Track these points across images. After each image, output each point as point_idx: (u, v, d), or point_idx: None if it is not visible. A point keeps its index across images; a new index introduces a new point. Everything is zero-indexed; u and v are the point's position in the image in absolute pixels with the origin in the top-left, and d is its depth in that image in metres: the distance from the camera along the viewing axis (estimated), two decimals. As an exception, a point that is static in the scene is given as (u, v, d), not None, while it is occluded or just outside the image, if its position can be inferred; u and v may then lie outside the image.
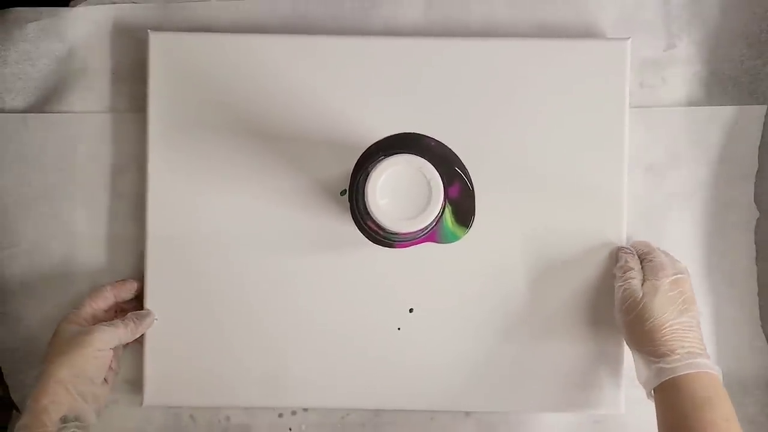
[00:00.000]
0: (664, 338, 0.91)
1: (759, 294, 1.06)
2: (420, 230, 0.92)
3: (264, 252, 1.01)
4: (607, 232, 1.01)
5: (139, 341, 1.02)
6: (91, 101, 1.06)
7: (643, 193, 1.05)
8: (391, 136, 1.00)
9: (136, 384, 1.05)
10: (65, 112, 1.06)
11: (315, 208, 1.01)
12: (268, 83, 1.01)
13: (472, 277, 1.01)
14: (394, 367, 1.02)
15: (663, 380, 0.89)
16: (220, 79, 1.01)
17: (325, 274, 1.01)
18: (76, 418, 0.91)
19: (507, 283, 1.01)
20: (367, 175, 0.89)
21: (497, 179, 1.01)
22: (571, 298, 1.02)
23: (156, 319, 1.01)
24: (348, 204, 0.99)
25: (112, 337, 0.95)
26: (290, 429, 1.06)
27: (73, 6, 1.06)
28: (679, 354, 0.90)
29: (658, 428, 0.91)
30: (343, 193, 1.00)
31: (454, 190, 0.99)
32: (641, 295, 0.94)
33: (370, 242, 0.98)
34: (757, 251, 1.06)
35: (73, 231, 1.05)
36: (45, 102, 1.06)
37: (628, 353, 1.00)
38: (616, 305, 0.97)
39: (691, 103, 1.05)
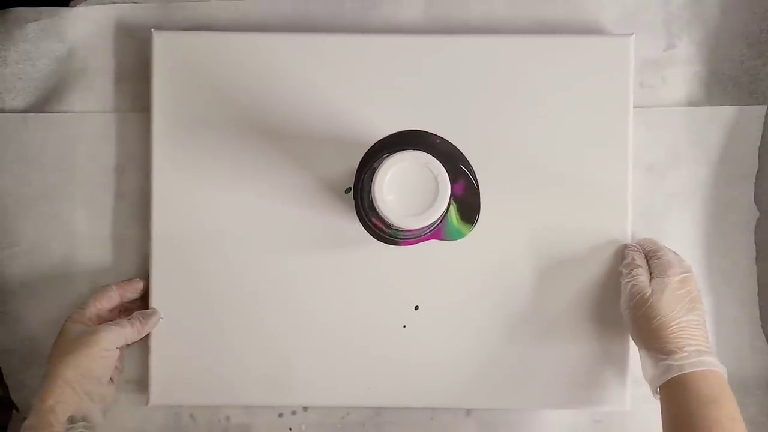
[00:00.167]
0: (672, 336, 0.91)
1: (759, 294, 1.06)
2: (425, 227, 0.92)
3: (268, 250, 1.01)
4: (612, 229, 1.01)
5: (145, 340, 1.01)
6: (92, 101, 1.06)
7: (644, 193, 1.05)
8: (395, 133, 1.00)
9: (137, 383, 1.04)
10: (65, 112, 1.05)
11: (319, 206, 1.01)
12: (272, 82, 1.01)
13: (477, 274, 1.01)
14: (398, 365, 1.02)
15: (670, 377, 0.89)
16: (224, 78, 1.01)
17: (330, 272, 1.01)
18: (84, 419, 0.91)
19: (512, 281, 1.02)
20: (374, 172, 0.89)
21: (501, 177, 1.01)
22: (576, 296, 1.02)
23: (161, 318, 1.01)
24: (353, 202, 0.99)
25: (118, 336, 0.94)
26: (290, 429, 1.06)
27: (73, 6, 1.06)
28: (686, 351, 0.90)
29: (663, 426, 0.91)
30: (347, 191, 1.00)
31: (459, 188, 0.99)
32: (649, 292, 0.94)
33: (375, 240, 0.98)
34: (757, 251, 1.06)
35: (74, 231, 1.05)
36: (45, 102, 1.06)
37: (632, 350, 1.00)
38: (623, 302, 0.97)
39: (691, 103, 1.06)
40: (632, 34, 1.01)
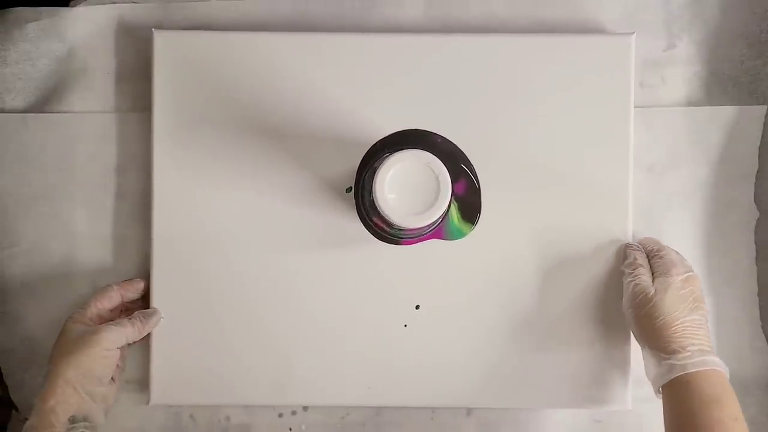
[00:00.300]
0: (675, 335, 0.91)
1: (759, 294, 1.06)
2: (426, 227, 0.92)
3: (269, 250, 1.01)
4: (613, 229, 1.01)
5: (145, 340, 1.01)
6: (92, 101, 1.06)
7: (644, 193, 1.05)
8: (396, 132, 1.00)
9: (137, 383, 1.04)
10: (65, 112, 1.05)
11: (320, 205, 1.01)
12: (273, 81, 1.01)
13: (478, 274, 1.01)
14: (399, 364, 1.02)
15: (673, 377, 0.89)
16: (225, 78, 1.01)
17: (331, 271, 1.01)
18: (85, 418, 0.90)
19: (512, 280, 1.02)
20: (375, 171, 0.89)
21: (502, 176, 1.01)
22: (577, 295, 1.02)
23: (162, 318, 1.01)
24: (353, 201, 0.99)
25: (119, 336, 0.94)
26: (290, 429, 1.06)
27: (73, 6, 1.06)
28: (690, 351, 0.90)
29: (665, 425, 0.91)
30: (348, 190, 1.00)
31: (461, 187, 0.99)
32: (653, 291, 0.94)
33: (376, 239, 0.98)
34: (757, 251, 1.06)
35: (74, 231, 1.05)
36: (45, 102, 1.06)
37: (633, 350, 1.01)
38: (626, 301, 0.97)
39: (691, 103, 1.06)
40: (633, 33, 1.01)
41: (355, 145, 1.00)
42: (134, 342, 0.98)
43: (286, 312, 1.01)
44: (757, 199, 1.05)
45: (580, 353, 1.02)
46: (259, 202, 1.01)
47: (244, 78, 1.01)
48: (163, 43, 1.01)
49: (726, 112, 1.05)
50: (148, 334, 1.00)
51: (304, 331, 1.02)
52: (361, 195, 0.98)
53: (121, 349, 0.96)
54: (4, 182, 1.05)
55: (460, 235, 1.00)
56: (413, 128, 1.00)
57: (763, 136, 1.05)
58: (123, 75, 1.06)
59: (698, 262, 1.05)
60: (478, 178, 1.00)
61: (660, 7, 1.05)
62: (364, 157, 1.00)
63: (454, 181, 0.91)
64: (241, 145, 1.01)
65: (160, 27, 1.03)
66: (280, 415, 1.06)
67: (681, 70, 1.06)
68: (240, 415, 1.05)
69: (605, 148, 1.01)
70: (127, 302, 1.02)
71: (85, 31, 1.05)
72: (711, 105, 1.06)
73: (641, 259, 0.98)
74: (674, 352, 0.90)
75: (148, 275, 1.02)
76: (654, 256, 0.98)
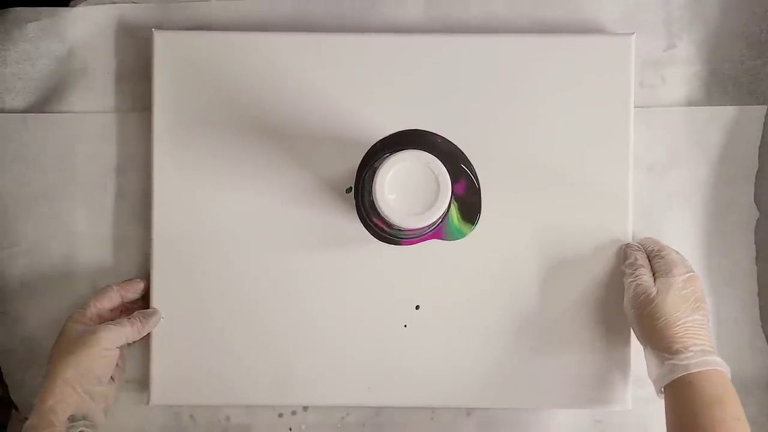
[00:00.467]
0: (677, 335, 0.91)
1: (759, 294, 1.06)
2: (426, 227, 0.92)
3: (269, 250, 1.01)
4: (613, 229, 1.01)
5: (145, 340, 1.02)
6: (92, 101, 1.06)
7: (644, 193, 1.05)
8: (396, 132, 1.00)
9: (137, 383, 1.04)
10: (65, 112, 1.05)
11: (320, 206, 1.01)
12: (273, 81, 1.01)
13: (478, 274, 1.01)
14: (398, 364, 1.02)
15: (675, 377, 0.89)
16: (225, 78, 1.01)
17: (331, 272, 1.01)
18: (84, 417, 0.91)
19: (513, 280, 1.02)
20: (375, 171, 0.89)
21: (502, 176, 1.01)
22: (577, 295, 1.02)
23: (162, 318, 1.01)
24: (353, 201, 0.99)
25: (118, 336, 0.94)
26: (290, 429, 1.06)
27: (73, 6, 1.06)
28: (692, 351, 0.90)
29: (667, 425, 0.91)
30: (348, 190, 1.00)
31: (461, 187, 0.99)
32: (654, 292, 0.94)
33: (376, 240, 0.98)
34: (757, 251, 1.06)
35: (74, 231, 1.05)
36: (45, 102, 1.06)
37: (634, 350, 1.01)
38: (628, 302, 0.97)
39: (691, 103, 1.06)
40: (633, 33, 1.01)
41: (355, 145, 1.00)
42: (134, 342, 0.98)
43: (286, 312, 1.01)
44: (757, 199, 1.05)
45: (580, 353, 1.02)
46: (259, 202, 1.01)
47: (244, 78, 1.01)
48: (163, 43, 1.01)
49: (726, 112, 1.05)
50: (148, 334, 1.01)
51: (304, 331, 1.02)
52: (361, 195, 0.98)
53: (121, 348, 0.96)
54: (4, 182, 1.05)
55: (460, 235, 1.00)
56: (413, 128, 1.00)
57: (763, 136, 1.05)
58: (123, 75, 1.06)
59: (698, 262, 1.05)
60: (478, 178, 1.00)
61: (660, 7, 1.05)
62: (364, 157, 1.00)
63: (454, 181, 0.91)
64: (241, 145, 1.01)
65: (160, 27, 1.03)
66: (280, 415, 1.06)
67: (681, 70, 1.06)
68: (240, 415, 1.06)
69: (605, 148, 1.01)
70: (127, 302, 1.02)
71: (85, 31, 1.05)
72: (711, 105, 1.06)
73: (642, 260, 0.98)
74: (677, 352, 0.90)
75: (148, 275, 1.02)
76: (655, 257, 0.98)
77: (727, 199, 1.06)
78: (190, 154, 1.01)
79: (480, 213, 1.01)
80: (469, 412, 1.06)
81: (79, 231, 1.05)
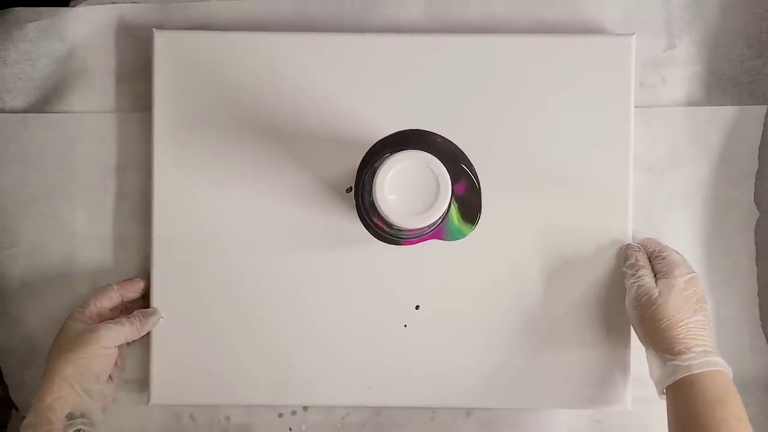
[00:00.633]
0: (680, 336, 0.91)
1: (759, 294, 1.06)
2: (426, 227, 0.92)
3: (269, 250, 1.01)
4: (613, 229, 1.01)
5: (145, 340, 1.02)
6: (92, 101, 1.06)
7: (644, 193, 1.05)
8: (396, 132, 1.00)
9: (137, 383, 1.04)
10: (65, 112, 1.05)
11: (320, 205, 1.01)
12: (274, 81, 1.01)
13: (478, 274, 1.01)
14: (398, 364, 1.02)
15: (678, 378, 0.90)
16: (225, 78, 1.01)
17: (331, 272, 1.01)
18: (82, 415, 0.90)
19: (513, 280, 1.02)
20: (375, 172, 0.89)
21: (502, 176, 1.01)
22: (577, 296, 1.02)
23: (162, 318, 1.01)
24: (353, 201, 0.99)
25: (117, 335, 0.94)
26: (290, 429, 1.06)
27: (73, 6, 1.06)
28: (694, 352, 0.90)
29: (669, 426, 0.91)
30: (348, 190, 1.00)
31: (461, 187, 0.99)
32: (657, 293, 0.94)
33: (376, 240, 0.98)
34: (757, 251, 1.06)
35: (73, 231, 1.05)
36: (45, 102, 1.06)
37: (635, 350, 1.01)
38: (629, 303, 0.97)
39: (691, 103, 1.06)
40: (633, 33, 1.01)
41: (355, 146, 1.00)
42: (133, 341, 0.98)
43: (286, 312, 1.01)
44: (757, 199, 1.05)
45: (580, 353, 1.02)
46: (259, 202, 1.01)
47: (244, 78, 1.01)
48: (163, 43, 1.01)
49: (726, 112, 1.05)
50: (148, 334, 1.01)
51: (304, 331, 1.02)
52: (361, 195, 0.98)
53: (120, 348, 0.97)
54: (4, 182, 1.05)
55: (460, 235, 1.00)
56: (413, 128, 1.00)
57: (763, 136, 1.05)
58: (123, 75, 1.06)
59: (698, 262, 1.05)
60: (479, 178, 1.00)
61: (660, 7, 1.05)
62: (364, 157, 1.00)
63: (454, 181, 0.91)
64: (241, 145, 1.01)
65: (161, 27, 1.03)
66: (280, 415, 1.06)
67: (681, 70, 1.06)
68: (240, 415, 1.06)
69: (605, 148, 1.01)
70: (127, 302, 1.02)
71: (85, 31, 1.05)
72: (711, 105, 1.06)
73: (643, 260, 0.98)
74: (679, 353, 0.90)
75: (148, 275, 1.02)
76: (656, 257, 0.98)
77: (727, 199, 1.06)
78: (190, 154, 1.01)
79: (480, 213, 1.01)
80: (469, 412, 1.06)
81: (79, 231, 1.05)
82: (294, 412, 1.06)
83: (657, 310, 0.93)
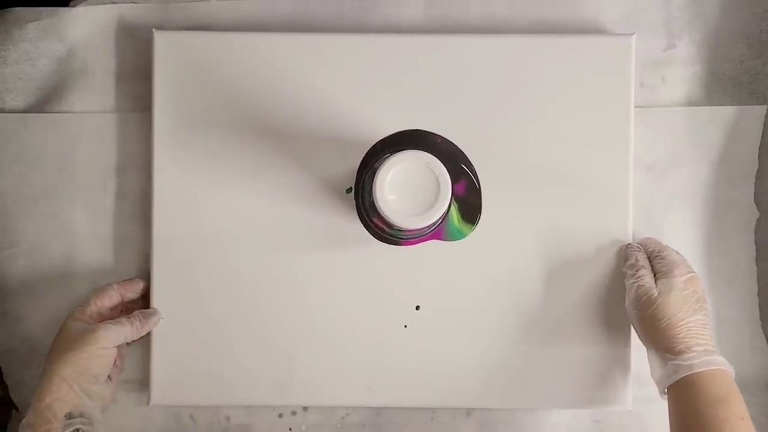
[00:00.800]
0: (680, 336, 0.91)
1: (759, 294, 1.06)
2: (427, 227, 0.92)
3: (269, 250, 1.01)
4: (613, 229, 1.01)
5: (146, 340, 1.02)
6: (92, 101, 1.06)
7: (644, 193, 1.05)
8: (396, 133, 1.00)
9: (137, 384, 1.05)
10: (65, 112, 1.05)
11: (320, 206, 1.01)
12: (274, 81, 1.01)
13: (479, 274, 1.01)
14: (399, 365, 1.02)
15: (679, 377, 0.90)
16: (225, 78, 1.01)
17: (331, 272, 1.01)
18: (81, 415, 0.90)
19: (513, 281, 1.02)
20: (375, 172, 0.89)
21: (502, 176, 1.01)
22: (577, 296, 1.02)
23: (162, 318, 1.01)
24: (353, 202, 0.99)
25: (117, 335, 0.94)
26: (290, 429, 1.06)
27: (73, 6, 1.06)
28: (695, 351, 0.90)
29: (671, 426, 0.91)
30: (348, 190, 1.00)
31: (461, 187, 0.99)
32: (656, 293, 0.94)
33: (376, 240, 0.98)
34: (757, 251, 1.06)
35: (74, 231, 1.05)
36: (45, 102, 1.06)
37: (635, 350, 1.01)
38: (630, 303, 0.97)
39: (691, 103, 1.06)
40: (633, 33, 1.01)
41: (355, 146, 1.00)
42: (133, 341, 0.98)
43: (286, 312, 1.01)
44: (757, 199, 1.05)
45: (580, 353, 1.02)
46: (259, 203, 1.01)
47: (245, 78, 1.01)
48: (163, 43, 1.01)
49: (726, 112, 1.05)
50: (149, 334, 1.01)
51: (304, 331, 1.02)
52: (361, 196, 0.98)
53: (120, 348, 0.97)
54: (4, 182, 1.05)
55: (460, 235, 1.00)
56: (413, 128, 1.00)
57: (763, 136, 1.05)
58: (123, 75, 1.06)
59: (698, 262, 1.05)
60: (479, 178, 1.00)
61: (660, 7, 1.05)
62: (364, 157, 1.00)
63: (454, 181, 0.91)
64: (241, 145, 1.01)
65: (160, 27, 1.03)
66: (280, 416, 1.06)
67: (681, 70, 1.06)
68: (240, 416, 1.06)
69: (605, 148, 1.01)
70: (127, 302, 1.02)
71: (85, 31, 1.05)
72: (711, 105, 1.06)
73: (642, 260, 0.98)
74: (680, 352, 0.90)
75: (148, 275, 1.02)
76: (656, 257, 0.98)
77: (727, 199, 1.06)
78: (190, 154, 1.01)
79: (480, 213, 1.01)
80: (468, 412, 1.06)
81: (79, 231, 1.05)
82: (294, 413, 1.06)
83: (657, 310, 0.93)
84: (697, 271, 0.98)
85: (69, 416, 0.89)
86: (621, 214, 1.01)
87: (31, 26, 1.04)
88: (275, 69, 1.01)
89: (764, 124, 1.05)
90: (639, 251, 0.99)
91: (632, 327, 1.00)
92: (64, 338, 0.94)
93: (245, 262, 1.01)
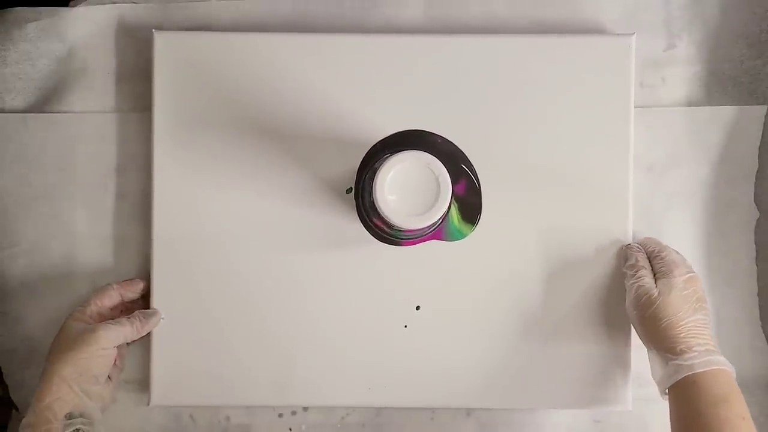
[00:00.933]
0: (681, 336, 0.91)
1: (759, 294, 1.06)
2: (427, 227, 0.92)
3: (269, 251, 1.01)
4: (613, 229, 1.01)
5: (146, 341, 1.02)
6: (92, 101, 1.06)
7: (644, 193, 1.05)
8: (396, 133, 1.00)
9: (137, 384, 1.04)
10: (65, 112, 1.05)
11: (321, 206, 1.01)
12: (274, 81, 1.01)
13: (479, 274, 1.01)
14: (399, 365, 1.02)
15: (680, 377, 0.90)
16: (225, 78, 1.01)
17: (331, 272, 1.01)
18: (81, 415, 0.90)
19: (513, 281, 1.01)
20: (375, 172, 0.89)
21: (502, 177, 1.01)
22: (577, 296, 1.02)
23: (162, 318, 1.01)
24: (354, 202, 0.99)
25: (117, 335, 0.94)
26: (290, 429, 1.06)
27: (73, 6, 1.06)
28: (696, 351, 0.90)
29: (672, 426, 0.91)
30: (349, 191, 1.00)
31: (461, 188, 0.99)
32: (656, 293, 0.94)
33: (376, 240, 0.98)
34: (757, 251, 1.06)
35: (74, 231, 1.05)
36: (45, 102, 1.06)
37: (635, 350, 1.01)
38: (630, 303, 0.97)
39: (691, 103, 1.06)
40: (633, 33, 1.01)
41: (355, 146, 1.00)
42: (133, 341, 0.98)
43: (286, 312, 1.01)
44: (757, 199, 1.05)
45: (580, 353, 1.02)
46: (259, 203, 1.01)
47: (244, 78, 1.01)
48: (163, 43, 1.01)
49: (726, 112, 1.05)
50: (148, 334, 1.01)
51: (304, 331, 1.02)
52: (361, 196, 0.98)
53: (120, 348, 0.97)
54: (4, 182, 1.05)
55: (460, 235, 1.00)
56: (413, 129, 1.00)
57: (763, 136, 1.05)
58: (123, 75, 1.06)
59: (698, 262, 1.05)
60: (479, 178, 1.00)
61: (660, 7, 1.05)
62: (364, 157, 1.00)
63: (454, 181, 0.91)
64: (241, 145, 1.00)
65: (160, 27, 1.04)
66: (280, 416, 1.06)
67: (681, 70, 1.06)
68: (240, 416, 1.06)
69: (605, 148, 1.01)
70: (127, 302, 1.02)
71: (85, 31, 1.05)
72: (711, 105, 1.06)
73: (642, 261, 0.98)
74: (681, 352, 0.90)
75: (148, 275, 1.02)
76: (655, 257, 0.98)
77: (727, 199, 1.06)
78: (190, 154, 1.01)
79: (480, 213, 1.01)
80: (468, 412, 1.06)
81: (79, 231, 1.05)
82: (294, 413, 1.06)
83: (657, 310, 0.93)
84: (697, 271, 0.98)
85: (69, 416, 0.89)
86: (621, 214, 1.01)
87: (31, 26, 1.04)
88: (275, 69, 1.01)
89: (764, 124, 1.05)
90: (639, 251, 0.99)
91: (632, 327, 0.99)
92: (64, 338, 0.94)
93: (245, 262, 1.01)
